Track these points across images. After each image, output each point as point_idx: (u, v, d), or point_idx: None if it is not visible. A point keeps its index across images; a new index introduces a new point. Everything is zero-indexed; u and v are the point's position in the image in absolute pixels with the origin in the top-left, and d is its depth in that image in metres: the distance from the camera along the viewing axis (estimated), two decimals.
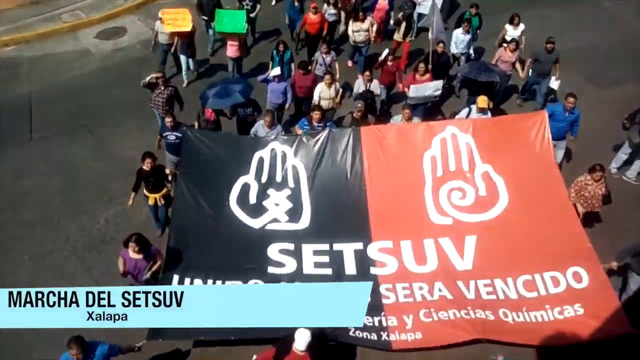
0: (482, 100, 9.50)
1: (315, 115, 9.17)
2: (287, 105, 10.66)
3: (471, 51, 12.51)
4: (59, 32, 14.50)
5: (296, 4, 12.99)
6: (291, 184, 8.49)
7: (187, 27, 11.67)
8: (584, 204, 8.31)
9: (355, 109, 9.73)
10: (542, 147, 8.52)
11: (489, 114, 9.66)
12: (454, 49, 12.09)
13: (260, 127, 9.28)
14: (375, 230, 8.06)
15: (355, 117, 9.66)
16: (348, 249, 7.99)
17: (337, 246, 8.04)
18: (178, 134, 8.94)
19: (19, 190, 10.06)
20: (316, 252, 7.98)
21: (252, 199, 8.33)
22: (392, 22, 13.04)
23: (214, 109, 9.71)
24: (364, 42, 12.38)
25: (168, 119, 8.94)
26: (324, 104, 10.28)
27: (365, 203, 8.25)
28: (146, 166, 8.20)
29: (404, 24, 12.36)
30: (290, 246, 7.99)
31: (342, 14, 13.31)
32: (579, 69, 12.43)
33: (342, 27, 13.54)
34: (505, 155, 8.41)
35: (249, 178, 8.48)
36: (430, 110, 11.20)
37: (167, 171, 8.58)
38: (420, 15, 12.90)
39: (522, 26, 12.29)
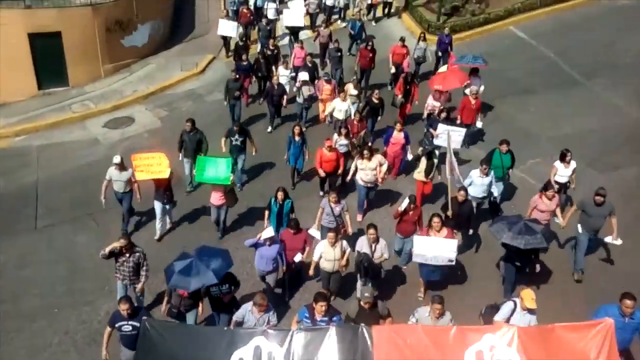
0: (530, 299, 7.37)
1: (320, 306, 7.16)
2: (279, 273, 9.11)
3: (495, 194, 10.61)
4: (68, 122, 14.94)
5: (297, 138, 11.60)
6: None
7: (165, 174, 10.27)
8: None
9: (362, 299, 7.50)
10: None
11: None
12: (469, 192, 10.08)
13: (248, 313, 7.48)
14: None
15: (362, 306, 7.48)
16: None
17: None
18: (135, 324, 7.15)
19: (20, 280, 9.94)
20: None
21: None
22: (409, 157, 12.04)
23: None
24: (371, 182, 10.93)
25: (124, 307, 7.12)
26: (327, 266, 8.77)
27: None
28: None
29: (423, 160, 10.98)
30: None
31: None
32: (579, 154, 12.56)
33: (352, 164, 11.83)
34: None
35: None
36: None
37: None
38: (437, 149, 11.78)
39: (573, 164, 10.61)
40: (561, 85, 16.53)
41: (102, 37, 16.27)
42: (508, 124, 14.31)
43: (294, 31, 17.60)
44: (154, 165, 10.24)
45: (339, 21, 20.44)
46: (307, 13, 18.93)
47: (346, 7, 20.30)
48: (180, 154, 11.73)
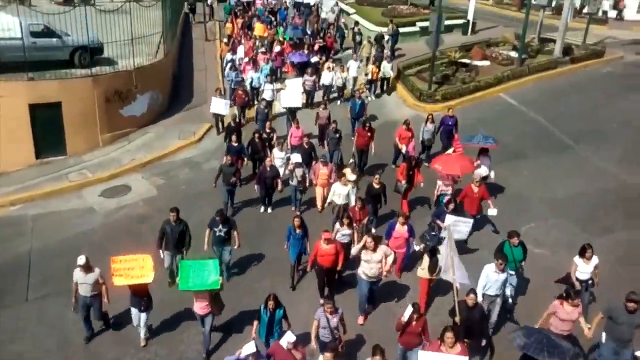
0: None
1: None
2: None
3: (508, 293, 9.74)
4: (64, 191, 14.99)
5: (297, 231, 10.78)
6: None
7: (148, 278, 9.22)
8: None
9: None
10: None
11: None
12: (480, 293, 9.19)
13: None
14: None
15: None
16: None
17: None
18: None
19: (8, 354, 9.67)
20: None
21: None
22: (415, 247, 10.97)
23: None
24: (375, 277, 9.94)
25: None
26: None
27: None
28: None
29: (426, 257, 10.05)
30: None
31: (355, 236, 11.09)
32: (573, 217, 12.69)
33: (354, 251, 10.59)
34: None
35: None
36: None
37: None
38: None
39: (595, 259, 9.69)
40: (551, 149, 16.87)
41: (101, 107, 16.65)
42: (502, 190, 14.45)
43: (291, 110, 17.46)
44: (135, 269, 9.18)
45: (336, 100, 20.45)
46: (304, 91, 18.98)
47: (344, 85, 20.34)
48: (161, 250, 10.81)
